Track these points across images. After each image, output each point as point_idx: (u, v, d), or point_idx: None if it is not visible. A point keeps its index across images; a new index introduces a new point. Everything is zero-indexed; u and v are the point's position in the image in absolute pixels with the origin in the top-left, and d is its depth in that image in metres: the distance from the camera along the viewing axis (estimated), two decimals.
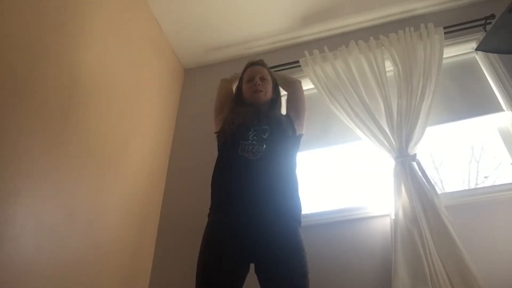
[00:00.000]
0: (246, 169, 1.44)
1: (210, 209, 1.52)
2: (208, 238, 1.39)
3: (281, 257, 1.29)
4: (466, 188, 2.20)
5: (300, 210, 1.51)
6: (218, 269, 1.29)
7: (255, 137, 1.52)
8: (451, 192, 2.00)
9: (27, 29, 1.48)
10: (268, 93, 1.78)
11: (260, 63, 1.89)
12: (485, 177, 2.20)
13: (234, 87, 2.02)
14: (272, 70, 2.63)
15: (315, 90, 2.44)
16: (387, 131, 2.07)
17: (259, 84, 1.73)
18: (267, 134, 1.55)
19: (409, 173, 1.89)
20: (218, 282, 1.27)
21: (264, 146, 1.49)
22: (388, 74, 2.31)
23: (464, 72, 2.41)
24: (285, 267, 1.27)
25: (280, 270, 1.27)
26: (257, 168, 1.43)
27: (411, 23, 2.48)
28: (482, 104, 2.23)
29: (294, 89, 1.91)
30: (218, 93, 2.01)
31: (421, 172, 1.91)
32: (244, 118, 1.63)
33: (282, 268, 1.27)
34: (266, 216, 1.35)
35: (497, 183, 2.08)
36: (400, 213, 1.81)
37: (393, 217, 1.83)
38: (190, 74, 3.05)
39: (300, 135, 1.77)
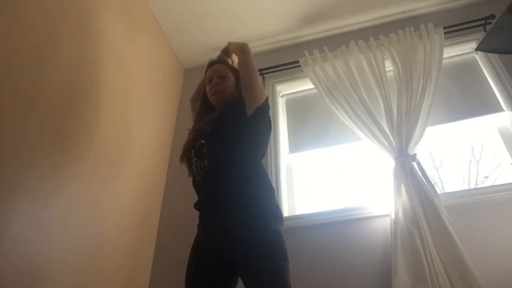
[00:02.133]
0: (199, 191, 1.49)
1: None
2: (191, 250, 1.46)
3: (248, 262, 1.27)
4: (466, 188, 2.20)
5: (268, 203, 1.38)
6: (201, 278, 1.35)
7: (196, 158, 1.50)
8: (451, 192, 2.00)
9: (27, 29, 1.48)
10: (229, 91, 1.62)
11: (218, 60, 1.76)
12: (485, 177, 2.20)
13: None
14: (270, 69, 2.67)
15: (315, 90, 2.44)
16: (387, 131, 2.07)
17: (216, 84, 1.61)
18: (204, 148, 1.48)
19: (409, 173, 1.89)
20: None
21: (206, 162, 1.45)
22: (388, 74, 2.31)
23: (464, 72, 2.41)
24: (255, 270, 1.25)
25: (251, 273, 1.26)
26: (203, 188, 1.45)
27: (411, 23, 2.48)
28: (482, 104, 2.23)
29: (240, 54, 1.68)
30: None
31: (421, 172, 1.91)
32: (189, 139, 1.62)
33: (252, 271, 1.25)
34: (224, 226, 1.34)
35: (497, 183, 2.08)
36: (400, 213, 1.81)
37: (393, 217, 1.83)
38: (190, 74, 3.05)
39: (256, 112, 1.50)
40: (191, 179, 2.40)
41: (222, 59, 1.79)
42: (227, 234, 1.32)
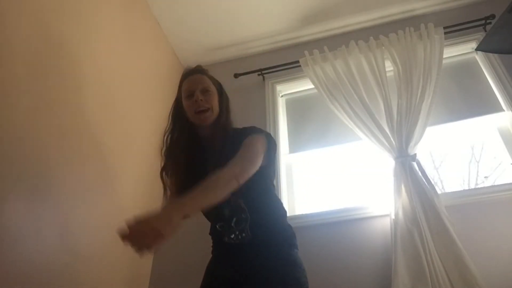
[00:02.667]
0: (232, 255, 1.35)
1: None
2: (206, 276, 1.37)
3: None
4: (466, 188, 2.20)
5: (289, 233, 1.36)
6: None
7: (232, 233, 1.31)
8: (451, 192, 2.00)
9: (26, 29, 1.48)
10: (215, 108, 1.41)
11: (199, 70, 1.49)
12: (485, 177, 2.20)
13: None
14: (270, 69, 2.67)
15: (315, 90, 2.44)
16: (387, 131, 2.07)
17: (201, 100, 1.36)
18: (244, 219, 1.30)
19: (409, 173, 1.89)
20: None
21: (248, 232, 1.30)
22: (388, 74, 2.31)
23: (464, 72, 2.41)
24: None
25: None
26: (244, 253, 1.32)
27: (411, 23, 2.48)
28: (482, 104, 2.23)
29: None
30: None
31: (421, 172, 1.91)
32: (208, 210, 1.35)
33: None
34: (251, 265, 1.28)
35: (497, 183, 2.08)
36: (400, 213, 1.81)
37: (393, 217, 1.83)
38: None
39: (264, 161, 1.37)
40: None
41: (201, 68, 1.52)
42: (259, 262, 1.26)
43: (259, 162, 1.31)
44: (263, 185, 1.39)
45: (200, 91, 1.40)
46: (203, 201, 1.16)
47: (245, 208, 1.31)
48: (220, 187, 1.17)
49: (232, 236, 1.31)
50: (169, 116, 1.51)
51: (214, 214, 1.35)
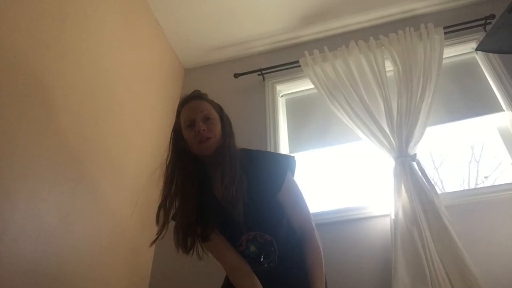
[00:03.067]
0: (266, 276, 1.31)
1: None
2: None
3: None
4: (466, 188, 2.20)
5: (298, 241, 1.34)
6: None
7: (263, 258, 1.28)
8: (451, 192, 2.00)
9: (26, 29, 1.48)
10: (218, 135, 1.29)
11: (197, 95, 1.37)
12: (485, 177, 2.21)
13: None
14: (270, 69, 2.67)
15: (315, 90, 2.44)
16: (387, 131, 2.07)
17: (203, 130, 1.25)
18: (272, 253, 1.29)
19: (409, 173, 1.89)
20: None
21: (276, 261, 1.30)
22: (388, 74, 2.31)
23: (464, 72, 2.41)
24: None
25: None
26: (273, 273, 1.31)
27: (411, 23, 2.48)
28: (482, 104, 2.23)
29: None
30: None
31: (421, 172, 1.91)
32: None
33: None
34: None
35: (497, 183, 2.08)
36: (400, 213, 1.81)
37: (393, 217, 1.83)
38: (190, 74, 3.05)
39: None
40: None
41: (199, 93, 1.39)
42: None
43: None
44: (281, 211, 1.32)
45: (202, 119, 1.28)
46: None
47: (272, 240, 1.28)
48: (322, 267, 1.32)
49: (261, 268, 1.30)
50: (168, 146, 1.42)
51: (241, 252, 1.32)
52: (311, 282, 1.24)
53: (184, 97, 1.37)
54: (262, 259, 1.28)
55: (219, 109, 1.39)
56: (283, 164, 1.33)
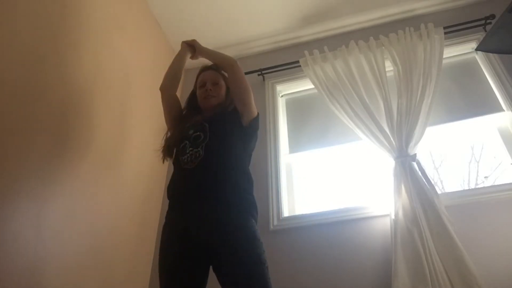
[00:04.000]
0: (188, 179, 1.46)
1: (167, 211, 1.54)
2: (163, 238, 1.47)
3: (233, 249, 1.30)
4: (466, 188, 2.20)
5: (252, 204, 1.46)
6: (177, 269, 1.36)
7: (190, 147, 1.50)
8: (451, 192, 2.00)
9: (26, 29, 1.48)
10: (221, 97, 1.70)
11: (213, 67, 1.80)
12: (485, 177, 2.20)
13: (184, 61, 1.93)
14: (270, 69, 2.67)
15: (315, 90, 2.44)
16: (387, 131, 2.07)
17: (210, 90, 1.67)
18: (202, 138, 1.51)
19: (409, 173, 1.89)
20: (180, 282, 1.34)
21: (202, 152, 1.47)
22: (388, 74, 2.31)
23: (464, 72, 2.41)
24: (238, 257, 1.28)
25: (233, 260, 1.28)
26: (197, 174, 1.44)
27: (411, 23, 2.48)
28: (482, 104, 2.23)
29: (229, 73, 1.70)
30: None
31: (421, 172, 1.91)
32: (180, 131, 1.62)
33: (235, 258, 1.28)
34: (212, 210, 1.37)
35: (497, 183, 2.08)
36: (400, 213, 1.81)
37: (393, 217, 1.83)
38: (190, 74, 3.04)
39: (252, 124, 1.64)
40: None
41: (216, 66, 1.81)
42: (215, 221, 1.35)
43: (249, 87, 1.67)
44: (238, 144, 1.56)
45: (211, 83, 1.70)
46: (210, 54, 1.87)
47: (206, 128, 1.53)
48: (223, 56, 1.77)
49: (188, 152, 1.49)
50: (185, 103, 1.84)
51: (182, 135, 1.59)
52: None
53: (204, 66, 1.83)
54: (191, 138, 1.53)
55: (227, 86, 1.75)
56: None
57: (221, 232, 1.32)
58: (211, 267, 1.38)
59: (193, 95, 1.80)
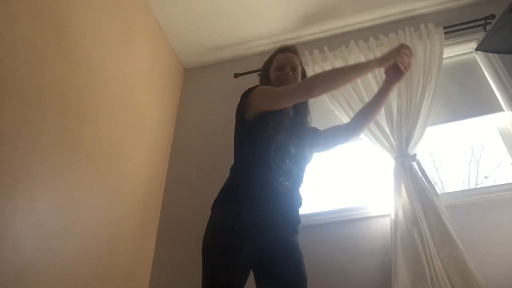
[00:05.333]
0: (277, 200, 1.36)
1: (231, 199, 1.36)
2: (237, 228, 1.28)
3: (290, 261, 1.32)
4: (466, 188, 2.20)
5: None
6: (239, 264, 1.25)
7: (286, 165, 1.38)
8: (451, 192, 2.00)
9: (27, 29, 1.48)
10: None
11: (294, 50, 1.63)
12: (485, 177, 2.21)
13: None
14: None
15: None
16: (387, 131, 2.07)
17: (290, 75, 1.50)
18: (305, 160, 1.46)
19: (409, 173, 1.89)
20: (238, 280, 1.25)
21: (297, 175, 1.43)
22: None
23: (464, 72, 2.41)
24: (293, 270, 1.31)
25: (288, 275, 1.30)
26: (285, 197, 1.38)
27: (411, 23, 2.48)
28: (482, 104, 2.22)
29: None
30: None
31: (421, 172, 1.91)
32: (283, 135, 1.42)
33: (290, 272, 1.30)
34: (282, 223, 1.37)
35: (497, 183, 2.08)
36: (400, 213, 1.81)
37: (393, 217, 1.83)
38: (190, 74, 3.05)
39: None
40: (191, 179, 2.42)
41: (296, 49, 1.65)
42: (277, 234, 1.35)
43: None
44: None
45: (291, 67, 1.56)
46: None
47: (300, 151, 1.46)
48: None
49: (280, 178, 1.36)
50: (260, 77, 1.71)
51: (282, 142, 1.42)
52: None
53: (284, 45, 1.66)
54: (286, 164, 1.40)
55: (304, 72, 1.66)
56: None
57: (285, 241, 1.36)
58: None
59: (265, 75, 1.63)
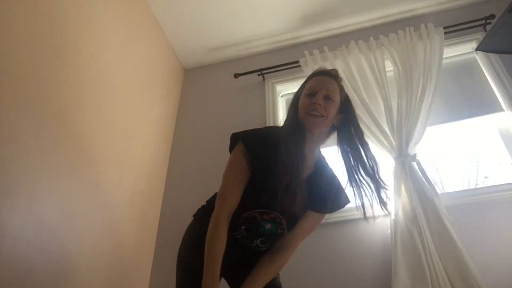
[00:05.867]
0: (259, 237, 1.24)
1: (205, 216, 1.25)
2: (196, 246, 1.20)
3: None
4: (466, 188, 2.20)
5: None
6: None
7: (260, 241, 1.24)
8: (451, 192, 2.00)
9: (28, 30, 1.48)
10: (330, 118, 1.24)
11: (331, 74, 1.31)
12: (485, 177, 2.21)
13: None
14: (270, 69, 2.67)
15: None
16: (387, 131, 2.07)
17: (319, 105, 1.19)
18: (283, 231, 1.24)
19: (409, 173, 1.89)
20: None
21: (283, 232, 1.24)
22: (388, 74, 2.31)
23: (464, 72, 2.41)
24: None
25: None
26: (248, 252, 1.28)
27: (411, 23, 2.48)
28: (482, 104, 2.22)
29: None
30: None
31: (421, 172, 1.91)
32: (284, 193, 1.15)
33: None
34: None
35: (497, 183, 2.08)
36: (400, 213, 1.81)
37: (393, 217, 1.83)
38: (190, 74, 3.05)
39: None
40: (191, 178, 2.42)
41: (337, 73, 1.33)
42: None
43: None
44: None
45: (323, 95, 1.23)
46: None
47: (283, 235, 1.25)
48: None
49: (247, 242, 1.25)
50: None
51: (259, 219, 1.23)
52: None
53: (320, 69, 1.36)
54: (259, 240, 1.24)
55: (345, 99, 1.31)
56: (344, 197, 1.38)
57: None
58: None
59: (294, 102, 1.31)
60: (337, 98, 1.26)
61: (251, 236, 1.24)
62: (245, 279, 1.21)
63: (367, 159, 1.31)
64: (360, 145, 1.30)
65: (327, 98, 1.23)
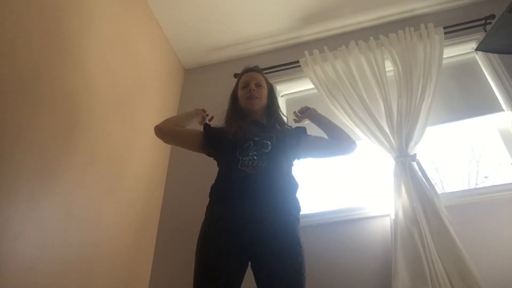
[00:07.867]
0: (244, 181, 1.43)
1: (207, 207, 1.51)
2: (205, 234, 1.39)
3: (277, 252, 1.29)
4: (466, 188, 2.20)
5: (299, 209, 1.50)
6: (217, 265, 1.29)
7: (255, 152, 1.49)
8: (451, 192, 2.00)
9: (30, 32, 1.48)
10: (263, 100, 1.71)
11: (256, 69, 1.82)
12: (485, 177, 2.20)
13: (190, 123, 1.83)
14: (270, 69, 2.67)
15: (315, 90, 2.44)
16: (387, 131, 2.07)
17: (253, 90, 1.67)
18: (269, 149, 1.51)
19: (409, 173, 1.89)
20: (218, 278, 1.27)
21: (265, 161, 1.47)
22: (388, 74, 2.31)
23: (464, 72, 2.41)
24: (281, 262, 1.27)
25: (275, 266, 1.26)
26: (255, 181, 1.42)
27: (411, 23, 2.48)
28: (482, 104, 2.23)
29: (346, 149, 1.75)
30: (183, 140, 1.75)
31: (421, 172, 1.91)
32: (244, 132, 1.57)
33: (278, 263, 1.27)
34: (263, 212, 1.35)
35: (497, 183, 2.08)
36: (400, 213, 1.81)
37: (393, 217, 1.83)
38: (190, 74, 3.05)
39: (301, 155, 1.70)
40: (191, 179, 2.42)
41: (258, 68, 1.85)
42: (265, 221, 1.33)
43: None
44: (292, 158, 1.64)
45: (254, 84, 1.70)
46: (330, 125, 1.78)
47: (273, 140, 1.54)
48: (344, 134, 1.74)
49: (251, 154, 1.48)
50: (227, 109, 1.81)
51: (246, 136, 1.55)
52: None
53: (247, 67, 1.85)
54: (255, 146, 1.52)
55: (270, 86, 1.82)
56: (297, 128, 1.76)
57: (270, 232, 1.31)
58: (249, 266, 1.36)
59: (234, 97, 1.80)
60: (264, 84, 1.75)
61: (251, 150, 1.51)
62: (266, 267, 1.29)
63: (278, 110, 1.80)
64: (275, 107, 1.78)
65: (258, 85, 1.72)
